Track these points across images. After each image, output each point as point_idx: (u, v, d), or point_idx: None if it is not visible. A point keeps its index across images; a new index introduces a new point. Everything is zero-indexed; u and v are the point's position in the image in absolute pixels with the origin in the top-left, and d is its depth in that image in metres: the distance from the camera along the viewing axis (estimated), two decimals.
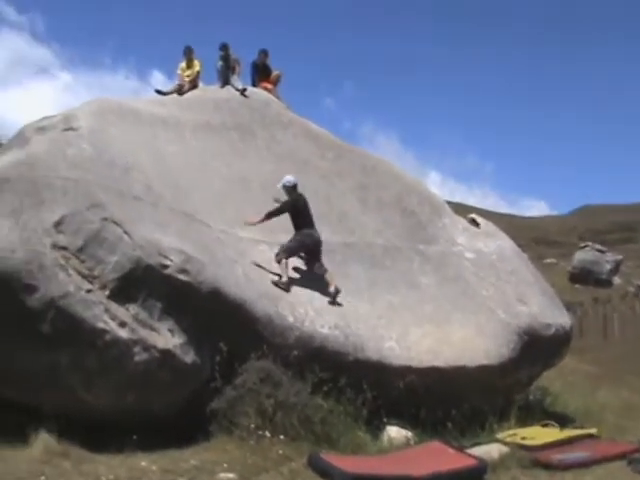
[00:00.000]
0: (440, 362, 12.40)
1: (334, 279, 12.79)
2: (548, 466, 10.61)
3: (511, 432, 12.07)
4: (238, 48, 18.75)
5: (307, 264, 13.14)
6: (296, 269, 12.85)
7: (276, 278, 12.33)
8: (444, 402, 12.15)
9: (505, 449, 11.09)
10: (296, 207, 13.09)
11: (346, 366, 11.74)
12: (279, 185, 13.28)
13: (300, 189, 13.27)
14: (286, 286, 12.35)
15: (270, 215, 12.92)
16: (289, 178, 13.30)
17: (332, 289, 12.68)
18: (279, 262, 12.54)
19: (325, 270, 12.87)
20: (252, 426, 10.74)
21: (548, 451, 11.15)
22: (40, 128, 12.94)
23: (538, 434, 12.00)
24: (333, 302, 12.55)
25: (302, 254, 13.12)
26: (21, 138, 12.94)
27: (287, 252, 12.65)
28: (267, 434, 10.66)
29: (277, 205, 13.24)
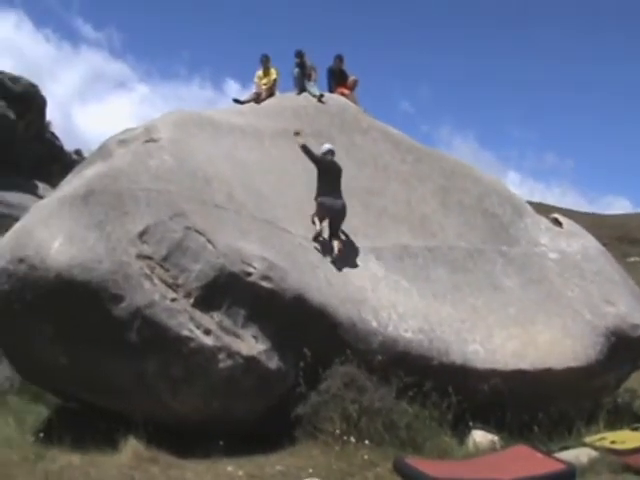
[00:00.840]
0: (525, 365, 12.23)
1: (339, 248, 12.86)
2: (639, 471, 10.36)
3: (600, 436, 11.78)
4: (313, 55, 18.76)
5: (330, 231, 13.22)
6: (377, 273, 12.81)
7: (358, 282, 12.35)
8: (530, 406, 11.98)
9: (594, 453, 10.82)
10: (322, 165, 13.49)
11: (431, 370, 11.69)
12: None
13: (381, 193, 13.43)
14: (317, 235, 12.92)
15: (307, 151, 13.60)
16: (325, 145, 13.92)
17: (334, 255, 12.76)
18: (313, 222, 13.09)
19: (335, 239, 13.01)
20: (337, 431, 10.74)
21: (639, 455, 10.87)
22: (122, 141, 13.20)
23: (628, 438, 11.67)
24: (333, 261, 12.67)
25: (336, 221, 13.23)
26: (104, 151, 13.21)
27: (315, 215, 13.14)
28: (352, 439, 10.64)
29: (314, 154, 13.64)
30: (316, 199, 13.23)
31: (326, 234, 13.02)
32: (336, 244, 12.89)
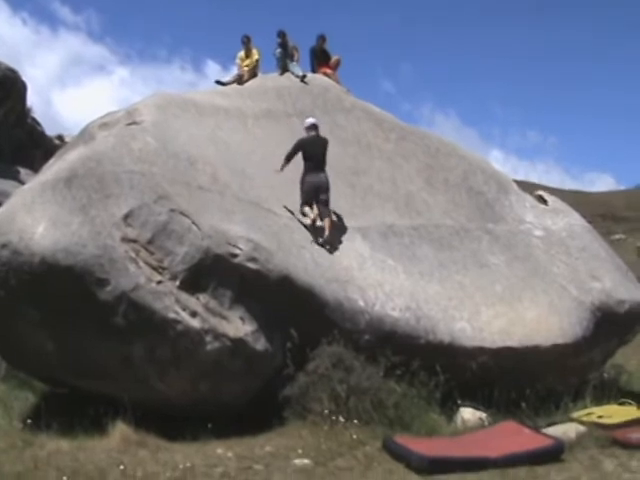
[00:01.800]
0: (513, 342, 12.26)
1: (330, 228, 12.78)
2: (627, 445, 10.35)
3: (587, 411, 11.83)
4: (295, 34, 18.71)
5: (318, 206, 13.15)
6: (363, 253, 12.79)
7: (344, 262, 12.35)
8: (518, 382, 12.01)
9: (582, 428, 10.87)
10: (305, 146, 13.46)
11: (418, 349, 11.71)
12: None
13: (365, 172, 13.43)
14: (320, 230, 12.71)
15: (288, 157, 13.40)
16: (308, 119, 14.07)
17: (325, 236, 12.66)
18: (303, 214, 13.05)
19: (326, 215, 12.91)
20: (325, 411, 10.76)
21: (626, 430, 10.89)
22: (104, 124, 13.13)
23: (615, 413, 11.73)
24: (322, 245, 12.58)
25: (321, 197, 13.12)
26: (86, 135, 13.14)
27: (302, 204, 13.11)
28: (340, 419, 10.66)
29: (291, 149, 13.53)
30: (301, 181, 13.24)
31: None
32: (327, 222, 12.85)
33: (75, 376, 11.41)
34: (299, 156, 13.39)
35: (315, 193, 13.11)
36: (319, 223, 12.82)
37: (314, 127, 13.79)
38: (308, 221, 12.94)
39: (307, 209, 13.07)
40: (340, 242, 12.72)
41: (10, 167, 32.60)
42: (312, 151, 13.44)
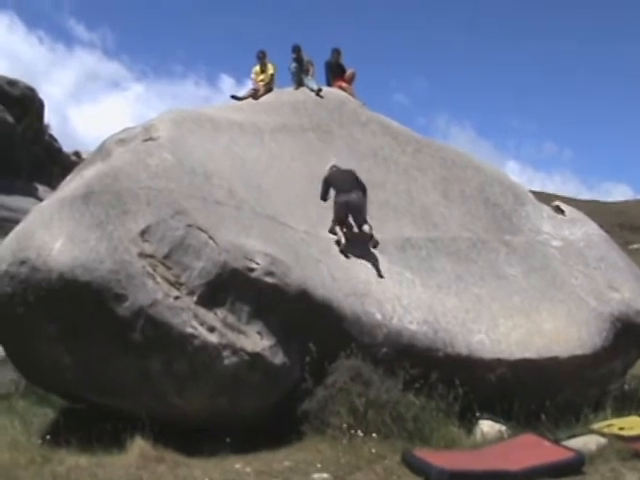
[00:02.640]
0: (531, 353, 12.21)
1: (371, 231, 13.00)
2: None
3: (607, 423, 11.75)
4: (309, 49, 18.79)
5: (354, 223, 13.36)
6: (380, 267, 12.78)
7: (361, 276, 12.35)
8: (537, 394, 11.97)
9: (602, 440, 10.80)
10: (331, 181, 13.67)
11: (436, 362, 11.67)
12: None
13: (381, 185, 13.79)
14: (344, 248, 12.85)
15: (323, 196, 13.75)
16: (330, 163, 14.22)
17: (371, 242, 12.94)
18: (333, 232, 13.17)
19: (363, 225, 13.14)
20: (344, 425, 10.73)
21: None
22: (121, 140, 13.19)
23: (636, 424, 11.64)
24: (374, 247, 12.97)
25: (350, 217, 13.37)
26: (103, 151, 13.20)
27: (334, 221, 13.25)
28: (359, 433, 10.62)
29: (322, 188, 13.82)
30: (334, 206, 13.41)
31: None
32: (367, 228, 13.06)
33: (93, 392, 11.42)
34: (312, 171, 13.60)
35: (346, 212, 13.30)
36: (343, 245, 12.94)
37: (334, 166, 14.09)
38: (337, 239, 13.06)
39: (337, 228, 13.17)
40: (357, 256, 12.71)
41: (28, 184, 32.81)
42: (337, 180, 13.66)
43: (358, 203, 13.32)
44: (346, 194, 13.31)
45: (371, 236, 13.00)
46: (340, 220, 13.26)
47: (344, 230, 13.17)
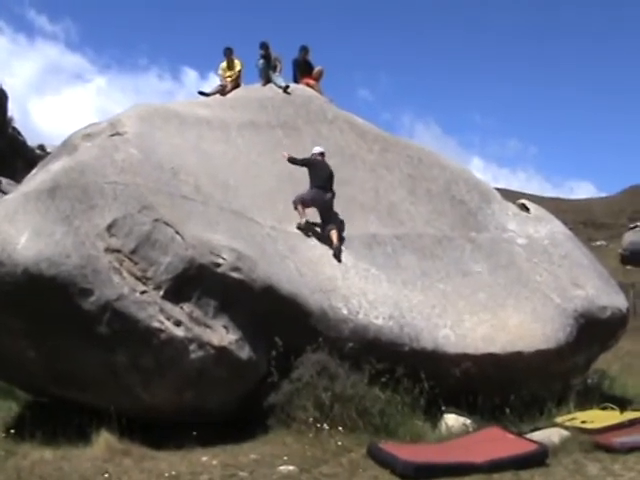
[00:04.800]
0: (496, 348, 12.32)
1: (337, 237, 13.12)
2: (610, 449, 10.43)
3: (570, 416, 11.93)
4: (275, 45, 18.78)
5: (321, 223, 13.60)
6: (347, 262, 12.84)
7: (328, 271, 12.40)
8: (501, 389, 12.09)
9: (565, 433, 10.96)
10: (312, 166, 13.97)
11: (402, 356, 11.75)
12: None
13: (348, 183, 13.92)
14: (305, 226, 13.25)
15: (294, 160, 14.11)
16: (317, 147, 14.53)
17: (334, 246, 13.00)
18: (295, 208, 13.43)
19: (331, 228, 13.29)
20: (310, 419, 10.80)
21: (609, 434, 10.97)
22: (87, 135, 13.13)
23: (598, 417, 11.83)
24: (336, 256, 12.92)
25: (317, 210, 13.67)
26: (69, 145, 13.12)
27: (300, 201, 13.48)
28: (325, 426, 10.70)
29: (300, 159, 14.16)
30: (310, 190, 13.66)
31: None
32: (334, 233, 13.16)
33: (58, 385, 11.36)
34: (280, 168, 13.62)
35: (319, 205, 13.62)
36: (305, 227, 13.23)
37: (322, 154, 14.31)
38: (302, 218, 13.36)
39: (300, 207, 13.44)
40: (323, 252, 12.76)
41: None
42: (319, 170, 13.87)
43: (327, 203, 13.65)
44: (322, 191, 13.65)
45: (332, 242, 13.13)
46: (305, 204, 13.52)
47: (305, 215, 13.40)
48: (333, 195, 13.76)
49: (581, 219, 63.81)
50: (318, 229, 13.39)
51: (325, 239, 13.07)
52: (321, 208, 13.60)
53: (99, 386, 10.99)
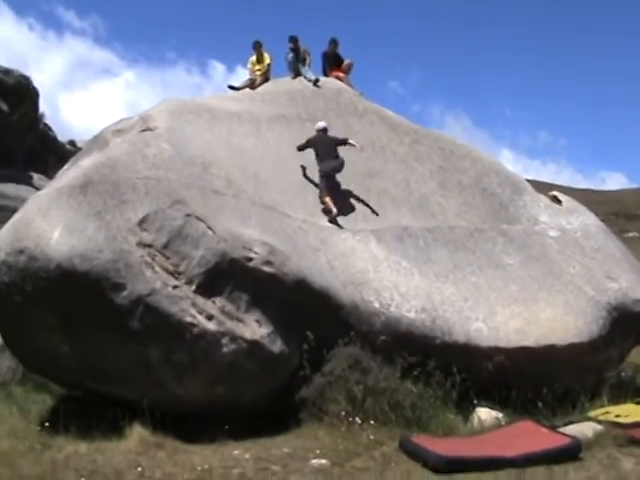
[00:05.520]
0: (529, 342, 12.25)
1: (332, 204, 13.54)
2: None
3: (604, 410, 11.82)
4: (303, 37, 18.80)
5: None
6: (378, 255, 12.83)
7: (359, 264, 12.41)
8: (534, 382, 12.01)
9: (599, 427, 10.86)
10: (315, 143, 14.34)
11: (434, 349, 11.74)
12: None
13: (379, 175, 14.47)
14: (334, 217, 13.37)
15: (300, 147, 14.51)
16: (319, 123, 14.81)
17: (332, 214, 13.39)
18: (323, 203, 13.68)
19: (326, 195, 13.75)
20: (342, 412, 10.82)
21: None
22: (118, 130, 13.19)
23: (632, 411, 11.71)
24: (332, 222, 13.34)
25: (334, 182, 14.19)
26: (100, 141, 13.20)
27: (322, 192, 13.85)
28: (357, 420, 10.71)
29: (302, 144, 14.55)
30: (319, 173, 13.93)
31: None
32: (328, 200, 13.60)
33: (92, 380, 11.45)
34: (309, 160, 13.92)
35: (326, 180, 13.92)
36: (334, 213, 13.44)
37: (323, 130, 14.43)
38: (334, 210, 13.51)
39: (327, 199, 13.65)
40: (355, 244, 12.76)
41: (23, 172, 32.88)
42: (318, 146, 14.17)
43: (338, 167, 14.16)
44: (327, 162, 14.02)
45: (330, 210, 13.45)
46: (327, 189, 13.79)
47: (333, 203, 13.55)
48: (341, 162, 14.12)
49: (613, 210, 63.27)
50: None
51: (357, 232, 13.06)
52: (328, 176, 14.08)
53: (132, 380, 11.07)
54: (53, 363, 11.56)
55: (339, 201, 13.67)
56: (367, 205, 13.92)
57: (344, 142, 14.34)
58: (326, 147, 14.17)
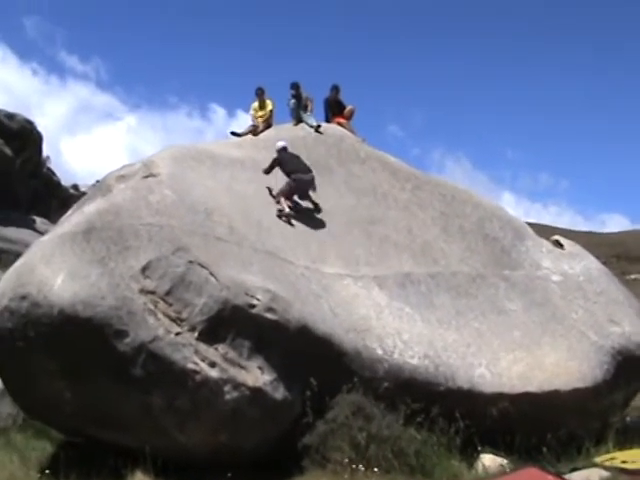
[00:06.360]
0: (533, 387, 12.20)
1: (285, 205, 14.22)
2: None
3: (610, 456, 11.70)
4: (305, 84, 18.93)
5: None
6: (380, 301, 12.81)
7: (362, 311, 12.38)
8: (538, 428, 11.92)
9: (605, 474, 10.73)
10: (281, 161, 14.91)
11: (437, 396, 11.67)
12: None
13: (381, 221, 14.53)
14: (288, 215, 14.06)
15: (266, 171, 15.04)
16: (280, 143, 15.37)
17: (285, 211, 14.15)
18: (278, 202, 14.30)
19: (282, 197, 14.38)
20: (345, 460, 10.75)
21: None
22: (121, 176, 13.27)
23: (639, 457, 11.64)
24: (280, 217, 14.02)
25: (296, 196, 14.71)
26: (103, 187, 13.28)
27: (281, 194, 14.39)
28: (361, 467, 10.64)
29: (269, 164, 15.09)
30: (290, 177, 14.43)
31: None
32: (281, 196, 14.31)
33: (93, 426, 11.43)
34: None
35: (300, 189, 14.58)
36: (286, 211, 14.15)
37: (285, 149, 15.10)
38: (284, 206, 14.20)
39: (282, 199, 14.27)
40: (357, 291, 12.74)
41: (26, 216, 32.97)
42: (289, 162, 14.80)
43: (311, 182, 14.55)
44: (302, 173, 14.48)
45: (315, 204, 14.65)
46: (288, 195, 14.44)
47: (289, 204, 14.31)
48: (313, 176, 14.57)
49: (614, 252, 63.08)
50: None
51: (359, 278, 13.05)
52: (302, 190, 14.67)
53: (134, 427, 11.05)
54: (55, 409, 11.54)
55: (343, 247, 13.70)
56: (369, 251, 13.90)
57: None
58: (295, 162, 14.81)
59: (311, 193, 14.75)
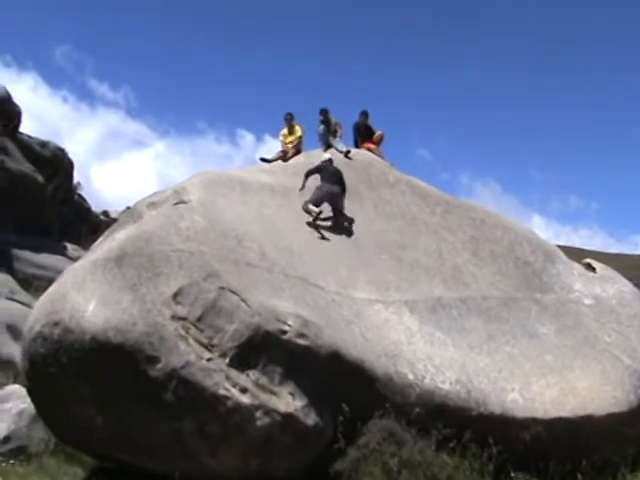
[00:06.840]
0: (566, 412, 12.08)
1: (315, 210, 14.67)
2: None
3: None
4: (333, 110, 19.07)
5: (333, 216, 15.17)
6: (411, 326, 12.78)
7: (393, 336, 12.35)
8: (572, 453, 11.83)
9: None
10: (322, 170, 15.57)
11: (470, 421, 11.60)
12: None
13: (412, 246, 14.66)
14: (316, 214, 14.63)
15: (308, 174, 15.73)
16: (326, 155, 16.44)
17: (314, 213, 14.66)
18: (306, 210, 14.73)
19: (307, 202, 14.89)
20: None
21: None
22: (152, 203, 13.40)
23: None
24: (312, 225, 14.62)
25: (326, 204, 15.08)
26: (134, 214, 13.44)
27: (310, 201, 14.83)
28: None
29: (309, 170, 15.82)
30: (315, 190, 15.01)
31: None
32: (311, 206, 14.68)
33: (124, 452, 11.45)
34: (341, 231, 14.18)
35: (325, 199, 14.98)
36: (321, 220, 14.54)
37: (330, 161, 15.93)
38: (311, 219, 14.59)
39: (311, 206, 14.65)
40: (388, 317, 12.72)
41: (57, 243, 33.23)
42: (326, 172, 15.46)
43: (337, 194, 15.11)
44: (329, 184, 15.14)
45: (349, 220, 15.08)
46: (316, 202, 14.81)
47: (317, 211, 14.66)
48: (343, 189, 15.28)
49: None
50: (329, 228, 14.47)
51: (390, 303, 13.03)
52: (330, 200, 15.04)
53: (165, 453, 11.06)
54: (86, 434, 11.57)
55: (373, 272, 13.71)
56: (399, 276, 13.90)
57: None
58: (329, 173, 15.40)
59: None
